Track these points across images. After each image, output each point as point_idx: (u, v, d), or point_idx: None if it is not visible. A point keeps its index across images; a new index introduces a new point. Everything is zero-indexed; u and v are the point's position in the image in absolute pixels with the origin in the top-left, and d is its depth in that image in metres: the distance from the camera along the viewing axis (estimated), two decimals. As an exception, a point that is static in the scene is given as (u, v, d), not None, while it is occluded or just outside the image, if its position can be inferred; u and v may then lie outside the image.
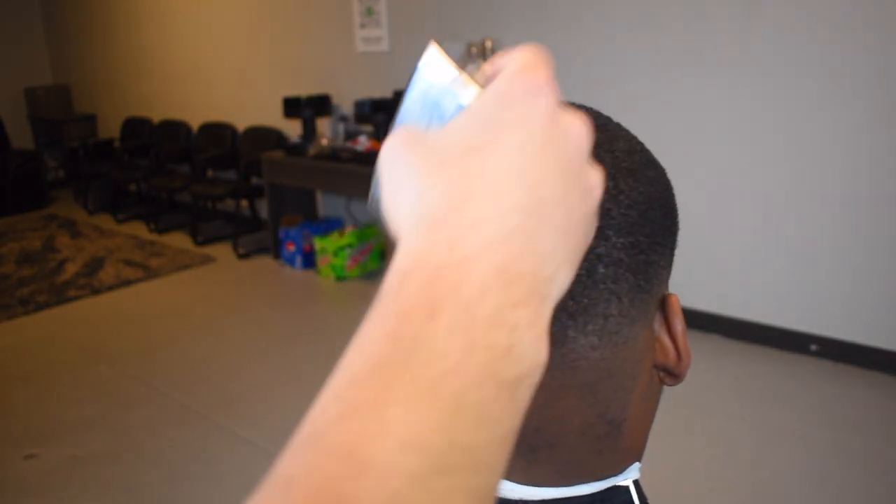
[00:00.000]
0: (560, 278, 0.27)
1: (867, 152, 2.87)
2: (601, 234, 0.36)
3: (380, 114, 4.26)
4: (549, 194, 0.27)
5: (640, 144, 0.41)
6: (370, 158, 4.05)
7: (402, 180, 0.28)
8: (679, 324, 0.41)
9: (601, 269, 0.36)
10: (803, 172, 3.03)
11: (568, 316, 0.36)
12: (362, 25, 4.58)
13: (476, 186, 0.26)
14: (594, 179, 0.29)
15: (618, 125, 0.41)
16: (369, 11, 4.52)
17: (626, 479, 0.42)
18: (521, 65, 0.29)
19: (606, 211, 0.36)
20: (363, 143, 4.29)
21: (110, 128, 6.96)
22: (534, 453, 0.39)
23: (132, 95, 6.66)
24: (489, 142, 0.27)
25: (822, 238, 3.03)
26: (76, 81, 7.43)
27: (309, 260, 4.64)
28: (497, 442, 0.23)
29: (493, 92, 0.29)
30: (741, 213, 3.20)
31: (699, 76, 3.19)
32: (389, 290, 0.25)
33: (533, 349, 0.25)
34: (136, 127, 6.55)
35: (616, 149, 0.38)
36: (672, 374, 0.42)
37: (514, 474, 0.39)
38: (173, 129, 6.15)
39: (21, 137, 7.36)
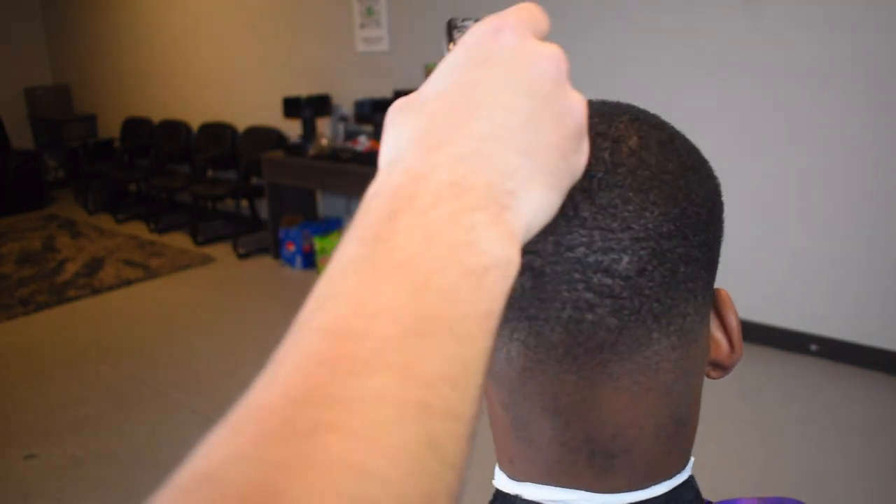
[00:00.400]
0: (531, 196, 0.28)
1: (868, 153, 2.87)
2: (680, 233, 0.36)
3: (380, 114, 4.26)
4: (509, 120, 0.29)
5: (690, 141, 0.41)
6: (370, 158, 4.05)
7: (385, 137, 0.31)
8: (734, 317, 0.41)
9: (682, 269, 0.36)
10: (803, 173, 3.03)
11: (653, 318, 0.36)
12: (362, 25, 4.58)
13: (435, 123, 0.29)
14: (572, 102, 0.31)
15: (667, 122, 0.41)
16: (369, 11, 4.52)
17: (688, 475, 0.42)
18: (492, 16, 0.31)
19: (683, 210, 0.36)
20: (363, 143, 4.29)
21: (110, 128, 6.97)
22: (611, 460, 0.39)
23: (132, 95, 6.66)
24: (452, 83, 0.30)
25: (822, 238, 3.03)
26: (76, 81, 7.43)
27: (309, 260, 4.64)
28: (472, 318, 0.24)
29: (462, 42, 0.31)
30: (741, 214, 3.20)
31: (699, 77, 3.19)
32: (357, 215, 0.27)
33: (497, 245, 0.26)
34: (136, 127, 6.55)
35: (678, 147, 0.39)
36: (721, 367, 0.42)
37: (589, 483, 0.39)
38: (173, 129, 6.15)
39: (21, 137, 7.36)
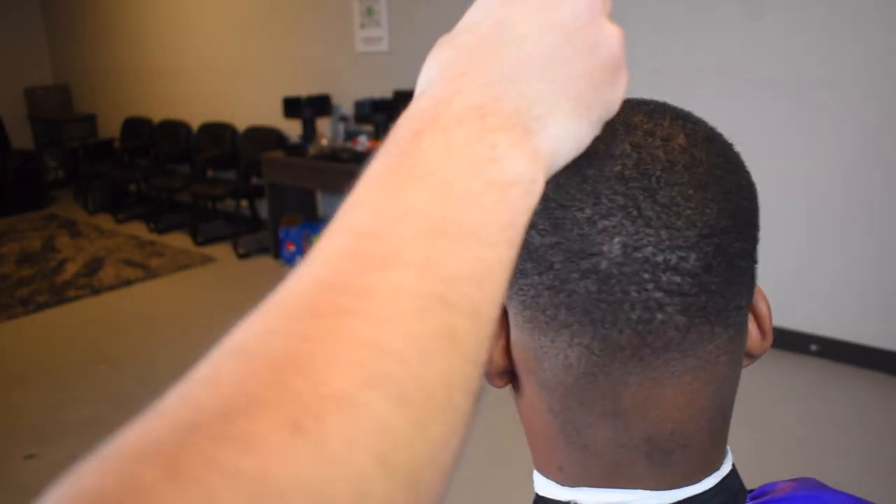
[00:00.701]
0: (557, 123, 0.29)
1: (867, 153, 2.87)
2: (736, 228, 0.37)
3: (380, 114, 4.26)
4: (537, 51, 0.30)
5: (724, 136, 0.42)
6: (370, 158, 4.05)
7: (421, 71, 0.32)
8: (765, 306, 0.42)
9: (738, 263, 0.37)
10: (803, 173, 3.03)
11: (716, 314, 0.37)
12: (362, 25, 4.58)
13: (463, 53, 0.30)
14: (607, 35, 0.32)
15: (702, 119, 0.41)
16: (369, 11, 4.52)
17: (731, 464, 0.42)
18: None
19: (737, 205, 0.37)
20: (363, 143, 4.29)
21: (110, 128, 6.97)
22: (669, 457, 0.39)
23: (132, 95, 6.66)
24: (483, 17, 0.31)
25: (822, 238, 3.03)
26: (76, 81, 7.43)
27: (309, 260, 4.63)
28: (494, 226, 0.25)
29: None
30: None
31: (699, 78, 3.19)
32: (389, 135, 0.28)
33: (520, 163, 0.27)
34: (136, 127, 6.55)
35: (720, 143, 0.39)
36: (751, 356, 0.43)
37: (647, 482, 0.39)
38: (173, 129, 6.15)
39: (21, 137, 7.36)
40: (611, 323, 0.35)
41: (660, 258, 0.34)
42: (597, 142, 0.35)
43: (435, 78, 0.30)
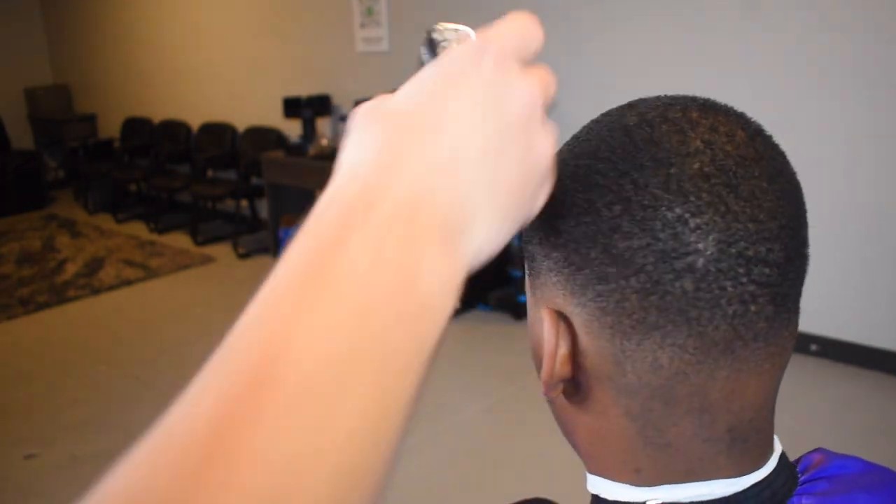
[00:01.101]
0: (482, 227, 0.29)
1: (866, 152, 2.87)
2: (802, 217, 0.38)
3: (380, 114, 4.25)
4: (471, 151, 0.29)
5: None
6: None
7: (349, 138, 0.31)
8: None
9: (803, 251, 0.38)
10: (801, 171, 3.02)
11: (792, 301, 0.38)
12: (362, 25, 4.58)
13: (399, 138, 0.29)
14: (539, 142, 0.31)
15: (744, 114, 0.41)
16: (369, 11, 4.52)
17: (779, 444, 0.44)
18: (479, 36, 0.31)
19: (798, 195, 0.39)
20: (363, 143, 4.29)
21: (110, 128, 6.96)
22: (745, 444, 0.40)
23: (132, 95, 6.66)
24: (424, 100, 0.30)
25: (821, 238, 3.02)
26: (76, 81, 7.43)
27: (309, 260, 4.63)
28: (400, 360, 0.25)
29: (443, 58, 0.31)
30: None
31: (695, 69, 3.19)
32: (313, 215, 0.27)
33: (442, 278, 0.27)
34: (136, 127, 6.55)
35: (768, 135, 0.40)
36: None
37: (727, 471, 0.40)
38: (173, 129, 6.15)
39: (21, 137, 7.36)
40: (707, 319, 0.36)
41: (751, 252, 0.35)
42: (667, 138, 0.36)
43: (369, 157, 0.29)
